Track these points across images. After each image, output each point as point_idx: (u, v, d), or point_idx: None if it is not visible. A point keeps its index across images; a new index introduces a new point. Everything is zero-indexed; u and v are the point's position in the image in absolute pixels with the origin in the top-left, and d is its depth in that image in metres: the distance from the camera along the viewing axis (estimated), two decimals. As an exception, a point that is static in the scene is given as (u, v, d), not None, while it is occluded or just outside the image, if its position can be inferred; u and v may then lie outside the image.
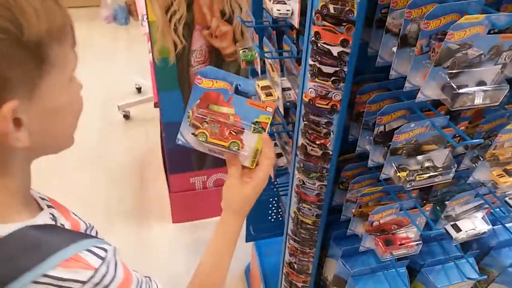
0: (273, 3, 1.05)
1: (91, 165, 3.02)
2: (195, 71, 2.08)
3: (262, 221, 1.84)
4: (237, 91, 0.86)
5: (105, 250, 0.58)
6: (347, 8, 0.85)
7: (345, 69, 0.93)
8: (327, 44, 0.91)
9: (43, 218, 0.60)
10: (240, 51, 1.34)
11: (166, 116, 2.19)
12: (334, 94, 0.97)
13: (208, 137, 0.83)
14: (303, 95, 1.02)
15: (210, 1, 1.89)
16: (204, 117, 0.83)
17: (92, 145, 3.22)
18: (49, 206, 0.66)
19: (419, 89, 0.82)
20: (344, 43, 0.90)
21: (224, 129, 0.84)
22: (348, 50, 0.90)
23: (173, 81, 2.08)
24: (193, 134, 0.84)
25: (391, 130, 0.96)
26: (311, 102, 1.00)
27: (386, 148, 0.98)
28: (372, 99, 0.98)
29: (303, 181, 1.14)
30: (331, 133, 1.03)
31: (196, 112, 0.83)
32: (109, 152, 3.17)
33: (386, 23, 0.87)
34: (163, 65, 2.01)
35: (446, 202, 1.06)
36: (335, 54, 0.91)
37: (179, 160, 2.33)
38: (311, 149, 1.07)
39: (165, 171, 2.55)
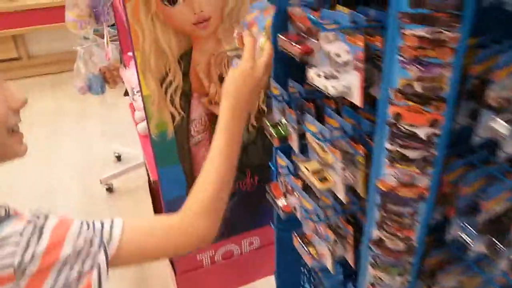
0: (325, 78, 0.89)
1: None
2: (195, 142, 1.89)
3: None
4: None
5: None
6: (436, 85, 0.71)
7: (435, 152, 0.77)
8: (412, 126, 0.75)
9: None
10: (270, 128, 1.17)
11: (167, 193, 1.97)
12: (420, 181, 0.81)
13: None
14: (378, 183, 0.85)
15: (206, 66, 1.73)
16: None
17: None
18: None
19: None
20: (433, 123, 0.74)
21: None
22: (438, 131, 0.75)
23: (172, 156, 1.88)
24: None
25: (497, 216, 0.81)
26: (392, 191, 0.84)
27: (491, 237, 0.81)
28: (466, 180, 0.82)
29: (380, 278, 0.96)
30: (417, 223, 0.86)
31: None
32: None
33: (485, 97, 0.73)
34: (161, 140, 1.82)
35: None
36: (422, 136, 0.76)
37: (186, 239, 2.10)
38: (391, 242, 0.90)
39: (170, 251, 2.30)
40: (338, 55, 0.88)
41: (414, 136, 0.76)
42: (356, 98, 0.85)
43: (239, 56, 1.01)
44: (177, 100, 1.75)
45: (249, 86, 0.90)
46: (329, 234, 1.08)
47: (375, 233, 0.92)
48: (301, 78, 1.13)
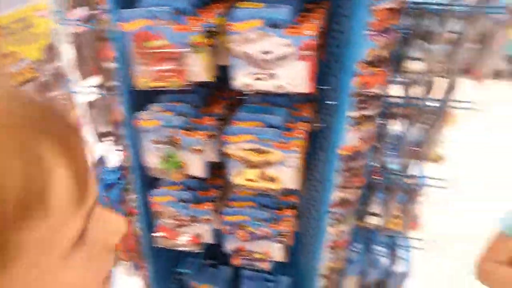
0: (270, 78, 0.84)
1: None
2: None
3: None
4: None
5: None
6: (392, 47, 0.84)
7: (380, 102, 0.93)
8: (375, 88, 0.87)
9: None
10: (163, 164, 0.97)
11: None
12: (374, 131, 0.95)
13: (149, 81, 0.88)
14: (341, 149, 0.93)
15: None
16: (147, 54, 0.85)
17: None
18: None
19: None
20: (385, 78, 0.88)
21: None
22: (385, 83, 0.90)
23: None
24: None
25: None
26: (355, 151, 0.94)
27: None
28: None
29: (342, 231, 1.08)
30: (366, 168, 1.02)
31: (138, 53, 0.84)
32: None
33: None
34: None
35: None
36: (381, 92, 0.89)
37: None
38: (352, 194, 1.03)
39: None
40: (267, 52, 0.84)
41: (375, 97, 0.88)
42: (306, 88, 0.86)
43: None
44: None
45: None
46: (276, 228, 1.07)
47: (336, 195, 1.00)
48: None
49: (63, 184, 0.33)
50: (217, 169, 1.06)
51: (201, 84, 0.91)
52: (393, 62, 0.96)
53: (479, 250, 1.09)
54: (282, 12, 0.79)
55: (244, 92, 0.92)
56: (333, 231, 1.07)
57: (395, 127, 1.09)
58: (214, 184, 1.13)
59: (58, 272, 0.36)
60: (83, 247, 0.37)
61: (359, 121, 0.90)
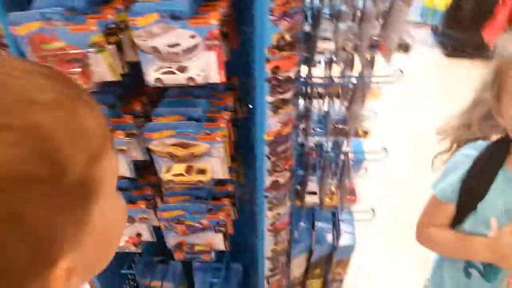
0: (180, 72, 0.82)
1: None
2: None
3: None
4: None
5: None
6: (298, 30, 0.84)
7: (296, 83, 0.93)
8: (286, 72, 0.87)
9: None
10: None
11: None
12: (292, 113, 0.96)
13: None
14: (266, 135, 0.94)
15: None
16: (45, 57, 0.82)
17: None
18: None
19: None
20: (296, 62, 0.89)
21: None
22: (297, 67, 0.90)
23: None
24: None
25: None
26: (278, 135, 0.95)
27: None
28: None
29: (278, 214, 1.09)
30: (293, 149, 1.02)
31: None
32: None
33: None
34: None
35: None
36: (293, 76, 0.89)
37: None
38: (282, 178, 1.03)
39: None
40: (174, 45, 0.82)
41: (288, 80, 0.88)
42: (218, 77, 0.85)
43: None
44: None
45: None
46: (214, 219, 1.07)
47: (268, 180, 1.01)
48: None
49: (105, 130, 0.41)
50: (150, 166, 1.05)
51: (117, 82, 0.89)
52: (306, 43, 0.97)
53: (416, 217, 1.12)
54: (180, 4, 0.78)
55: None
56: (270, 214, 1.08)
57: (322, 106, 1.10)
58: (149, 181, 1.12)
59: (115, 202, 0.45)
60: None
61: (277, 105, 0.90)
